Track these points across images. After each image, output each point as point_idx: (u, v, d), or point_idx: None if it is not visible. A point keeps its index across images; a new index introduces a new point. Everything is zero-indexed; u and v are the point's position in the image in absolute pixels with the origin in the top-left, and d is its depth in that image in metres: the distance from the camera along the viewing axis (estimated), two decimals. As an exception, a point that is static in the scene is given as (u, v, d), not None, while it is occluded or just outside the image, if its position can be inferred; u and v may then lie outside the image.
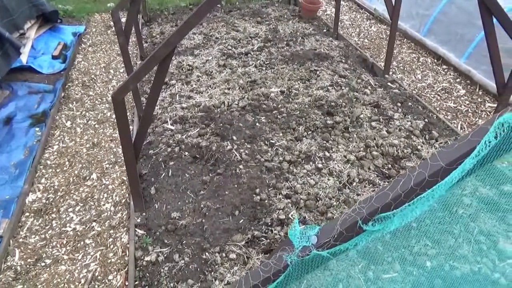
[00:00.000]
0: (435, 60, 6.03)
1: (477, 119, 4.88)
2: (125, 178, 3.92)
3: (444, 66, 5.87)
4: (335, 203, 3.44)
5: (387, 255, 3.18)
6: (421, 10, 6.64)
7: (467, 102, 5.16)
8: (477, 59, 5.42)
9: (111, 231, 3.46)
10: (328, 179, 3.68)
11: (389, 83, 5.22)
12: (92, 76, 5.64)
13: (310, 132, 4.27)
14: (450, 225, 3.54)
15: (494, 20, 3.64)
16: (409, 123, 4.42)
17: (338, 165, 3.83)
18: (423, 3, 6.64)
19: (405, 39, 6.68)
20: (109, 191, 3.84)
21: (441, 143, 4.20)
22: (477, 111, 4.99)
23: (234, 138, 4.14)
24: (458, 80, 5.57)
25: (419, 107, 4.79)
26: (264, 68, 5.52)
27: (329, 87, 4.97)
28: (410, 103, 4.80)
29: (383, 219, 0.92)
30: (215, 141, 4.07)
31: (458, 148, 0.90)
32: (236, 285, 1.06)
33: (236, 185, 3.63)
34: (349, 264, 3.18)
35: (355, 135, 4.23)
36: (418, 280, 2.96)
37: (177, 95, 4.92)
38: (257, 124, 4.36)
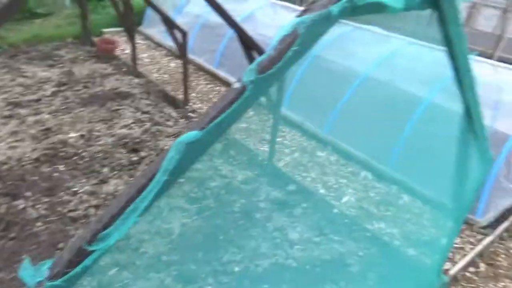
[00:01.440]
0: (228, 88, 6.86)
1: (265, 134, 5.77)
2: None
3: (236, 93, 6.74)
4: (147, 237, 3.50)
5: (200, 272, 3.40)
6: (211, 45, 7.49)
7: (257, 120, 6.04)
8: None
9: None
10: (139, 214, 3.71)
11: (189, 113, 5.66)
12: None
13: (116, 172, 4.22)
14: (250, 230, 4.05)
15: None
16: (210, 146, 4.89)
17: (147, 198, 3.90)
18: (211, 40, 7.50)
19: (202, 72, 7.37)
20: None
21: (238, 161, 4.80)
22: (265, 127, 5.91)
23: (28, 194, 3.73)
24: (248, 103, 6.48)
25: (218, 131, 5.35)
26: (60, 114, 5.19)
27: (132, 125, 5.04)
28: (209, 129, 5.31)
29: (104, 237, 1.06)
30: (4, 202, 3.59)
31: (155, 164, 1.13)
32: None
33: (35, 246, 3.27)
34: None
35: (161, 166, 4.40)
36: (229, 286, 3.28)
37: None
38: (55, 174, 4.05)
